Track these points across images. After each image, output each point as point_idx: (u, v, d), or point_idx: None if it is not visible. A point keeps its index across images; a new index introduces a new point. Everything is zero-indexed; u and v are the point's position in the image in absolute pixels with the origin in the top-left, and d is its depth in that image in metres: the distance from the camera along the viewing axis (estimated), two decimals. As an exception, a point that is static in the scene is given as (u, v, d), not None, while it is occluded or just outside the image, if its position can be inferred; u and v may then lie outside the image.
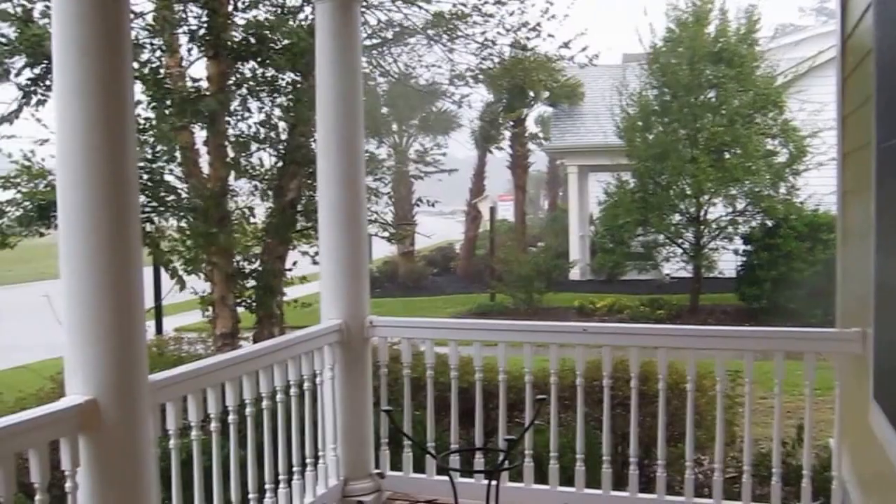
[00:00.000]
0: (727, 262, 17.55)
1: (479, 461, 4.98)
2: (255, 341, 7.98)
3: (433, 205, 10.09)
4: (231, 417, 3.95)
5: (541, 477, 4.98)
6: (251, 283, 8.24)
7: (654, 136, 17.22)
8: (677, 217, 17.47)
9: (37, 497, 2.88)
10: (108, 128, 3.02)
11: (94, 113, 2.99)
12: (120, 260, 3.06)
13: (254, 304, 8.21)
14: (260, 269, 8.30)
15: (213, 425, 3.85)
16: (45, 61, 6.97)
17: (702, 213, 17.22)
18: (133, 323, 3.11)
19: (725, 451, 4.84)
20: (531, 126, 28.16)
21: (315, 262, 7.36)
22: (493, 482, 4.14)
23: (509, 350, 5.06)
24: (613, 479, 4.86)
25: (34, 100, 7.33)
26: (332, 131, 4.97)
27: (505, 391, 5.03)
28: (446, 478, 4.59)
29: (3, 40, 7.03)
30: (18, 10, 7.07)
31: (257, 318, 8.35)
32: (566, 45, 12.82)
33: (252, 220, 8.51)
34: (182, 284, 7.81)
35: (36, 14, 7.12)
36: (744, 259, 17.26)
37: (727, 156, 16.57)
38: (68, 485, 2.99)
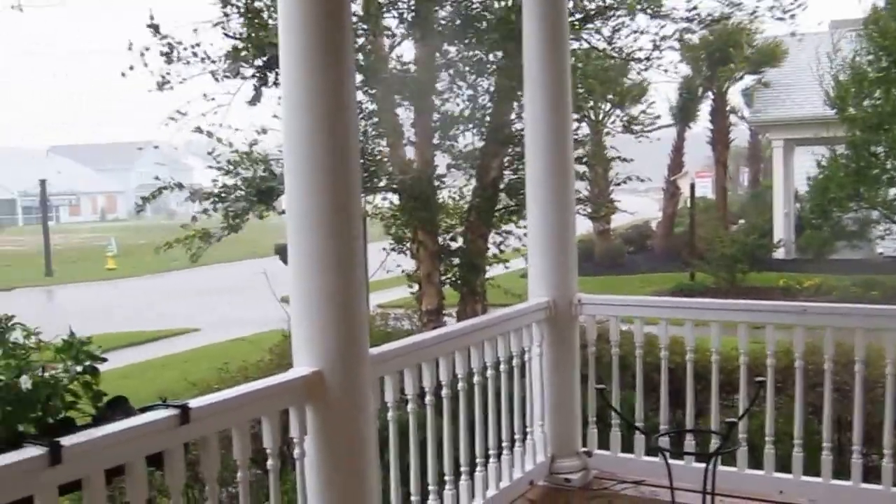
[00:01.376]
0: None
1: (689, 443, 4.78)
2: (458, 318, 8.07)
3: (643, 180, 9.85)
4: (444, 392, 3.97)
5: (753, 462, 4.72)
6: (455, 260, 8.32)
7: (871, 104, 15.92)
8: (893, 191, 16.12)
9: (268, 462, 2.99)
10: (330, 111, 3.06)
11: (317, 98, 3.04)
12: (343, 237, 3.10)
13: (458, 281, 8.30)
14: (464, 247, 8.38)
15: (428, 399, 3.88)
16: (267, 55, 7.30)
17: (923, 186, 15.82)
18: (355, 298, 3.15)
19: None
20: (734, 99, 26.89)
21: (520, 241, 7.33)
22: (709, 465, 3.93)
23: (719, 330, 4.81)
24: (833, 467, 4.53)
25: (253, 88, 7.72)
26: (539, 110, 4.90)
27: (717, 372, 4.79)
28: (655, 459, 4.42)
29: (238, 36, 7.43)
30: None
31: (461, 296, 8.44)
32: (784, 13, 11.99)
33: (457, 199, 8.60)
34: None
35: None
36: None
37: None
38: (296, 451, 3.09)
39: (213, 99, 8.06)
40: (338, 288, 3.09)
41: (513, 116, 8.47)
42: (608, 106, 23.13)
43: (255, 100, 7.64)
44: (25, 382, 2.19)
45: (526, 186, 5.07)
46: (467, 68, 8.18)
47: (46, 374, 2.31)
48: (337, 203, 3.08)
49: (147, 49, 7.84)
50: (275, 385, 3.03)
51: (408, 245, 8.41)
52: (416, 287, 8.41)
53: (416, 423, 3.75)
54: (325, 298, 3.08)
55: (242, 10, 7.42)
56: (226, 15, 7.49)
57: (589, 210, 9.68)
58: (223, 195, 7.67)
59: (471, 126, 8.34)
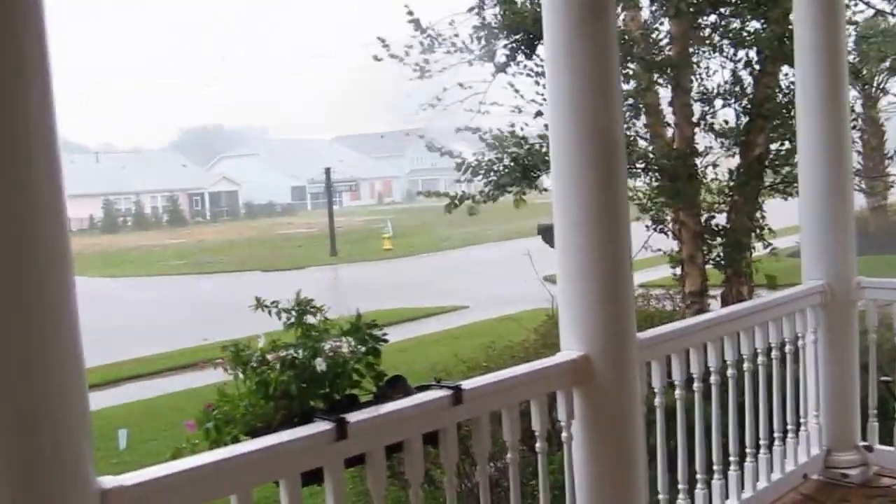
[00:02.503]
0: None
1: None
2: (722, 300, 7.65)
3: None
4: (713, 378, 3.74)
5: None
6: (719, 240, 7.88)
7: None
8: None
9: (537, 445, 2.94)
10: (595, 91, 2.96)
11: (583, 79, 2.94)
12: (609, 219, 3.00)
13: (722, 262, 7.85)
14: (728, 226, 7.91)
15: (696, 385, 3.67)
16: (521, 35, 7.27)
17: None
18: (623, 280, 3.03)
19: None
20: None
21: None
22: None
23: None
24: None
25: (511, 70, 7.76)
26: (812, 77, 4.46)
27: None
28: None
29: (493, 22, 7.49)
30: None
31: (725, 277, 7.98)
32: None
33: (718, 177, 8.13)
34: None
35: None
36: None
37: None
38: (564, 435, 3.02)
39: (470, 87, 8.24)
40: (605, 269, 3.00)
41: (778, 90, 7.86)
42: (883, 74, 20.94)
43: (502, 69, 7.69)
44: (320, 364, 2.29)
45: (799, 159, 4.65)
46: (724, 41, 7.66)
47: (335, 355, 2.40)
48: (603, 182, 2.98)
49: (410, 46, 8.11)
50: (543, 368, 2.98)
51: (668, 225, 8.06)
52: (678, 269, 8.06)
53: (684, 410, 3.55)
54: (592, 280, 2.99)
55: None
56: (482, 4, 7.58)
57: (861, 185, 8.74)
58: (489, 167, 7.76)
59: (731, 101, 7.82)
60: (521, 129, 7.86)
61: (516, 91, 7.84)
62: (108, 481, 1.80)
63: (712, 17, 7.68)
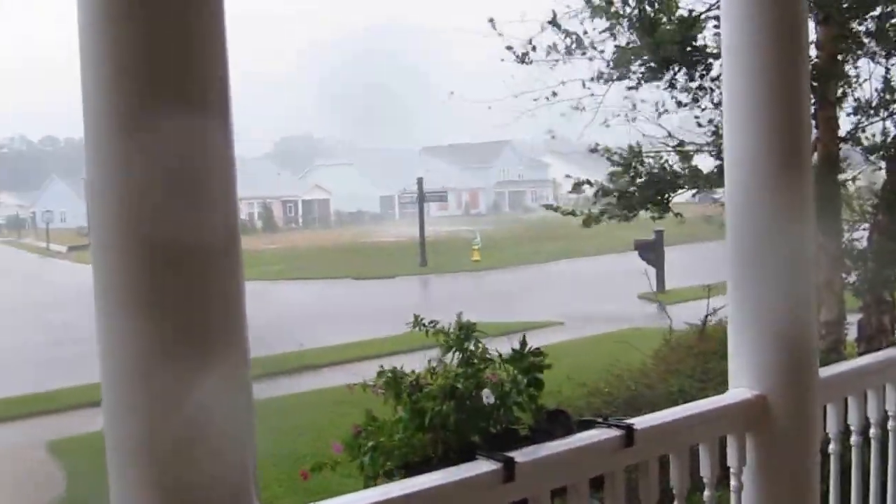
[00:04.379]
0: None
1: None
2: (860, 330, 7.13)
3: None
4: (891, 424, 3.35)
5: None
6: (859, 264, 7.37)
7: None
8: None
9: (705, 493, 2.64)
10: (780, 102, 2.66)
11: (767, 101, 2.67)
12: (793, 241, 2.68)
13: (862, 287, 7.33)
14: (870, 249, 7.38)
15: (872, 431, 3.29)
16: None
17: None
18: (806, 309, 2.73)
19: None
20: None
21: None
22: None
23: None
24: None
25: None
26: None
27: None
28: None
29: None
30: None
31: (863, 304, 7.45)
32: None
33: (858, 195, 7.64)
34: None
35: None
36: None
37: None
38: (733, 483, 2.71)
39: (591, 94, 8.03)
40: (786, 296, 2.67)
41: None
42: None
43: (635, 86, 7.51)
44: (489, 397, 2.05)
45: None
46: (879, 47, 7.14)
47: (498, 384, 2.16)
48: (787, 202, 2.66)
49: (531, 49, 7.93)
50: (717, 409, 2.67)
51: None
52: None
53: (860, 460, 3.18)
54: (771, 309, 2.68)
55: (634, 22, 7.25)
56: (617, 21, 7.36)
57: None
58: (622, 189, 7.54)
59: (885, 114, 7.29)
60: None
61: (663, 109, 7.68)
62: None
63: (866, 22, 7.17)
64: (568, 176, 8.23)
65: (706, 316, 7.73)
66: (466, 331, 2.15)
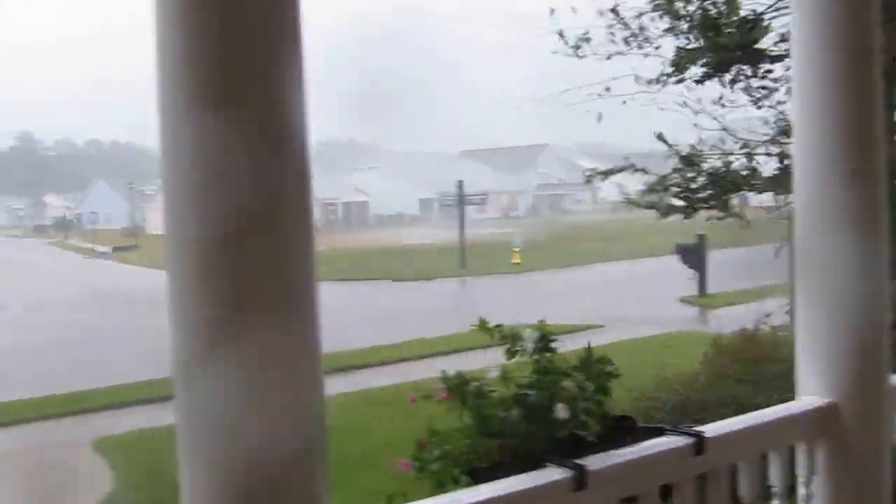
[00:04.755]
0: None
1: None
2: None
3: None
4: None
5: None
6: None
7: None
8: None
9: (772, 503, 2.58)
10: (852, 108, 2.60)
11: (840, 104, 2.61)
12: (867, 242, 2.60)
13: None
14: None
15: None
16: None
17: None
18: (879, 314, 2.64)
19: None
20: None
21: None
22: None
23: None
24: None
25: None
26: None
27: None
28: None
29: None
30: None
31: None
32: None
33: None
34: None
35: None
36: None
37: None
38: (801, 492, 2.64)
39: (634, 97, 7.95)
40: (859, 299, 2.60)
41: None
42: None
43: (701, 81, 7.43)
44: (562, 412, 2.00)
45: None
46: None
47: (564, 393, 2.11)
48: (863, 201, 2.60)
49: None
50: (788, 416, 2.61)
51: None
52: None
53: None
54: (843, 313, 2.60)
55: (694, 22, 7.18)
56: (677, 19, 7.29)
57: None
58: (685, 185, 7.44)
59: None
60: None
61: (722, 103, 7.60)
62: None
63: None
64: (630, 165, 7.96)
65: (759, 320, 7.61)
66: (545, 340, 2.10)
